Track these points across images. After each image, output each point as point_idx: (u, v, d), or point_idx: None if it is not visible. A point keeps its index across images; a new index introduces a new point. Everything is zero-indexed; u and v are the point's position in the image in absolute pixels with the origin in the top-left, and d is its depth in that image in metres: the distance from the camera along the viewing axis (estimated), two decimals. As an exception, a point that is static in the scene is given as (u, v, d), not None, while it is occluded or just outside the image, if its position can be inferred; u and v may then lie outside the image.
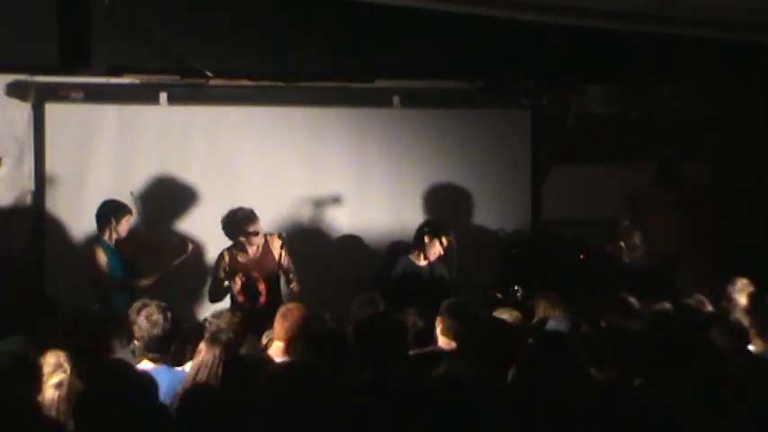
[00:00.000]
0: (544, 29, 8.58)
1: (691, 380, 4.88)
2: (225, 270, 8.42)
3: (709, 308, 7.26)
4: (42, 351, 5.55)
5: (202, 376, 5.37)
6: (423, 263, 8.66)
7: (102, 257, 8.28)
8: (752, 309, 7.04)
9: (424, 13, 8.24)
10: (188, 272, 8.71)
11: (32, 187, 9.06)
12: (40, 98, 9.03)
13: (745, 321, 6.65)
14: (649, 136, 9.98)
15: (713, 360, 5.02)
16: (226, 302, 8.39)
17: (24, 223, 9.05)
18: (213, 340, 5.61)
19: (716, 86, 9.83)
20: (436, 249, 8.62)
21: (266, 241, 8.50)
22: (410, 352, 5.75)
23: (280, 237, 8.47)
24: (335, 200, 9.55)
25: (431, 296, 7.48)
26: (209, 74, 8.92)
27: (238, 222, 8.41)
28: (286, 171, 9.48)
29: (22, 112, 9.02)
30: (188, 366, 5.81)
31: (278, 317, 6.03)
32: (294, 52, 8.85)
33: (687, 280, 8.98)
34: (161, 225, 9.08)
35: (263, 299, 8.28)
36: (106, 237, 8.34)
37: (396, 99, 9.70)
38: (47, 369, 5.37)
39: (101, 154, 9.17)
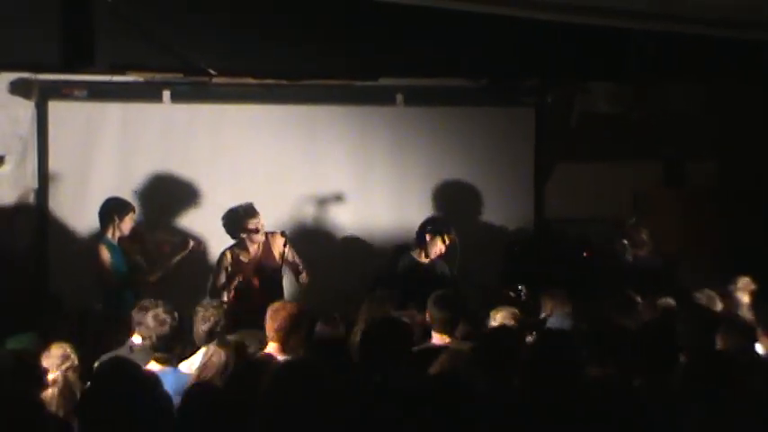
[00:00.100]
0: (548, 27, 8.56)
1: (693, 379, 4.87)
2: (227, 270, 8.41)
3: (719, 304, 7.23)
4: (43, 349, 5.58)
5: (206, 376, 5.38)
6: (425, 260, 8.66)
7: (106, 255, 8.27)
8: (755, 307, 7.03)
9: (427, 10, 8.22)
10: (190, 269, 8.70)
11: (36, 185, 9.07)
12: (43, 96, 9.04)
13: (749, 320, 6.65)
14: (653, 135, 9.97)
15: (717, 359, 5.01)
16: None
17: (28, 221, 9.07)
18: (221, 342, 5.63)
19: (719, 85, 9.81)
20: (438, 247, 8.62)
21: (267, 240, 8.50)
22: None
23: (282, 234, 8.46)
24: (338, 198, 9.55)
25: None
26: (212, 72, 8.90)
27: (239, 219, 8.42)
28: (289, 169, 9.48)
29: (25, 110, 9.03)
30: (189, 363, 5.83)
31: (267, 318, 5.99)
32: (297, 50, 8.83)
33: (687, 279, 8.97)
34: (164, 223, 9.08)
35: (256, 299, 8.23)
36: (109, 235, 8.33)
37: (399, 97, 9.70)
38: (54, 361, 5.39)
39: (104, 152, 9.18)
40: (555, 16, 8.20)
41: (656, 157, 10.24)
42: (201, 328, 6.01)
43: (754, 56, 8.88)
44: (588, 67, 9.45)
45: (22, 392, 4.74)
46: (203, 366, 5.47)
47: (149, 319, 5.78)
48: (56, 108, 9.07)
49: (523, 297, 8.12)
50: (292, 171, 9.49)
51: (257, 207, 8.54)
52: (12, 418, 4.35)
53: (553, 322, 6.59)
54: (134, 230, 8.44)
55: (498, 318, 6.59)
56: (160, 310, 5.82)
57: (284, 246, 8.44)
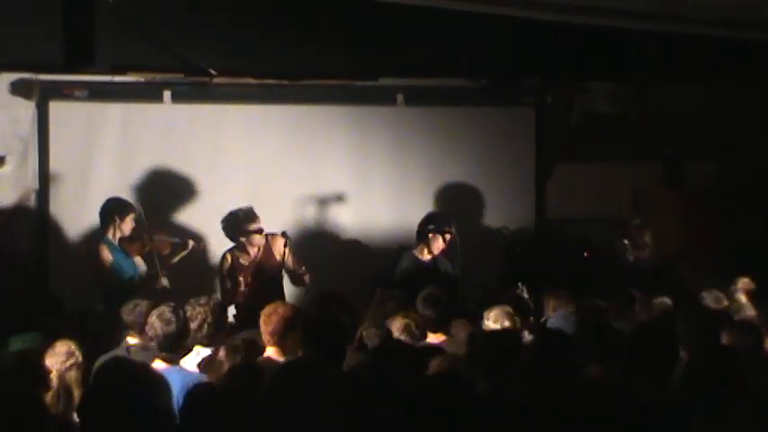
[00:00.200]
0: (548, 27, 8.56)
1: (695, 378, 4.87)
2: (228, 272, 8.40)
3: (725, 303, 7.23)
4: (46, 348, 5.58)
5: (215, 374, 5.39)
6: (426, 258, 8.66)
7: (107, 255, 8.27)
8: (757, 307, 7.03)
9: (427, 10, 8.23)
10: (191, 269, 8.70)
11: (36, 186, 9.08)
12: (44, 96, 9.05)
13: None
14: (653, 135, 9.97)
15: (719, 358, 5.01)
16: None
17: (28, 222, 9.07)
18: (234, 348, 5.63)
19: (719, 85, 9.81)
20: (439, 243, 8.61)
21: (267, 241, 8.49)
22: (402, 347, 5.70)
23: (283, 235, 8.46)
24: (339, 198, 9.56)
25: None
26: (212, 72, 8.91)
27: (238, 222, 8.41)
28: (289, 169, 9.49)
29: (26, 110, 9.04)
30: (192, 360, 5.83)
31: (261, 323, 5.98)
32: (298, 50, 8.83)
33: (688, 279, 8.97)
34: (164, 223, 9.08)
35: (273, 292, 8.22)
36: (110, 235, 8.34)
37: (399, 97, 9.70)
38: (58, 358, 5.39)
39: (105, 152, 9.18)
40: (555, 16, 8.20)
41: (656, 157, 10.24)
42: (189, 326, 6.00)
43: (753, 56, 8.89)
44: (588, 67, 9.45)
45: (25, 392, 4.74)
46: (213, 364, 5.48)
47: (154, 318, 5.73)
48: (56, 108, 9.08)
49: (525, 294, 8.10)
50: (292, 171, 9.50)
51: (257, 207, 8.55)
52: (14, 418, 4.36)
53: (555, 322, 6.58)
54: (134, 231, 8.44)
55: (492, 316, 6.57)
56: (165, 310, 5.77)
57: (284, 246, 8.43)
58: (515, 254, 9.63)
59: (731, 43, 8.54)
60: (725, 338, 5.86)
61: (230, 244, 8.57)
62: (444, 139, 9.78)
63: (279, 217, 9.05)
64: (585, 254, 9.51)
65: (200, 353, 5.92)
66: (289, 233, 8.54)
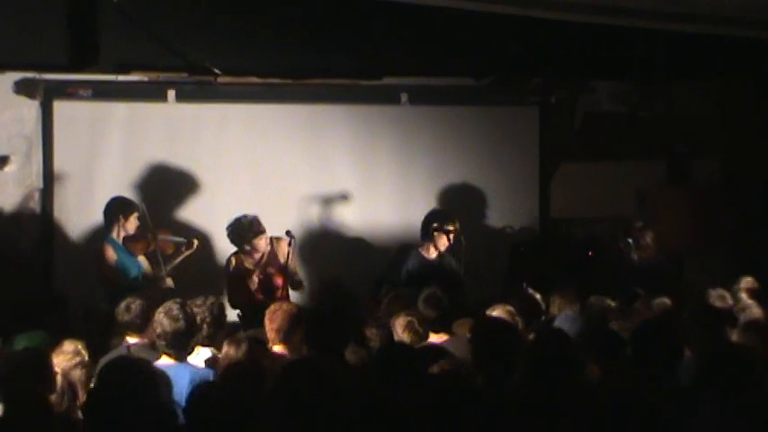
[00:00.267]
0: (553, 26, 8.57)
1: (701, 378, 4.86)
2: (233, 275, 8.38)
3: (730, 302, 7.21)
4: (55, 347, 5.58)
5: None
6: (433, 256, 8.63)
7: (111, 255, 8.26)
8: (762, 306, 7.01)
9: (431, 9, 8.24)
10: (195, 269, 8.69)
11: (41, 185, 9.08)
12: (48, 96, 9.04)
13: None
14: (658, 133, 9.96)
15: (727, 357, 4.99)
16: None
17: (33, 221, 9.07)
18: (238, 341, 5.63)
19: (725, 83, 9.80)
20: (445, 240, 8.58)
21: (272, 244, 8.44)
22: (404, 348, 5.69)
23: (288, 234, 8.42)
24: (343, 197, 9.55)
25: (443, 289, 7.39)
26: (216, 71, 8.92)
27: (243, 232, 8.31)
28: (294, 168, 9.48)
29: (30, 109, 9.04)
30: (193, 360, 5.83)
31: (266, 321, 5.97)
32: (302, 49, 8.84)
33: (695, 278, 8.97)
34: (168, 222, 9.08)
35: (280, 293, 8.22)
36: (114, 234, 8.33)
37: (404, 96, 9.69)
38: (65, 357, 5.38)
39: (109, 151, 9.18)
40: (560, 15, 8.20)
41: (660, 155, 10.23)
42: (197, 322, 5.98)
43: (758, 54, 8.88)
44: (593, 66, 9.45)
45: (30, 391, 4.75)
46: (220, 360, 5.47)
47: (161, 316, 5.68)
48: (61, 108, 9.08)
49: (537, 295, 8.06)
50: (297, 170, 9.49)
51: (261, 206, 8.54)
52: (20, 416, 4.36)
53: (561, 322, 6.56)
54: (138, 230, 8.43)
55: (493, 315, 6.56)
56: (172, 306, 5.72)
57: (289, 245, 8.40)
58: (520, 253, 9.61)
59: (736, 42, 8.54)
60: (732, 337, 5.86)
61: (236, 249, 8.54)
62: (449, 138, 9.77)
63: (283, 216, 9.05)
64: (590, 253, 9.49)
65: (200, 352, 5.91)
66: (293, 232, 8.52)
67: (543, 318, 7.11)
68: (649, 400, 4.60)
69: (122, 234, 8.34)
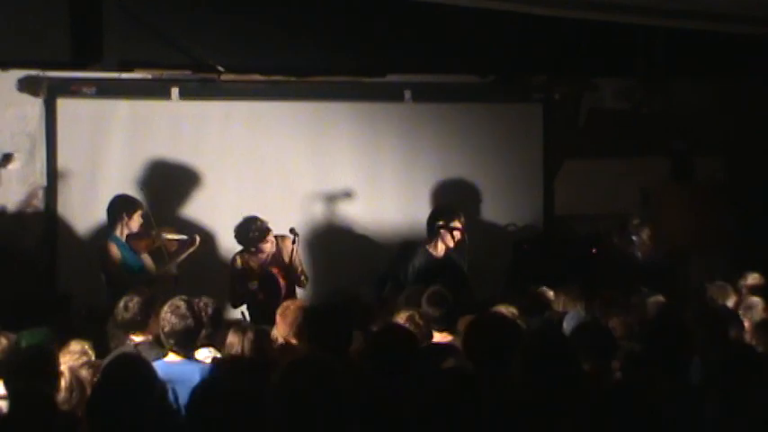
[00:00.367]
0: (556, 23, 8.57)
1: (709, 377, 4.86)
2: (238, 274, 8.38)
3: (732, 296, 7.20)
4: (59, 345, 5.58)
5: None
6: (440, 253, 8.61)
7: (116, 252, 8.26)
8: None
9: (435, 6, 8.23)
10: (198, 266, 8.69)
11: (44, 182, 9.08)
12: (51, 93, 9.04)
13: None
14: (661, 130, 9.96)
15: (734, 354, 4.99)
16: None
17: (36, 218, 9.08)
18: (243, 329, 5.64)
19: (728, 80, 9.79)
20: (451, 237, 8.56)
21: (277, 243, 8.44)
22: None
23: (292, 232, 8.43)
24: (347, 195, 9.55)
25: (451, 287, 7.36)
26: (220, 69, 8.93)
27: (250, 237, 8.31)
28: (297, 166, 9.48)
29: (33, 107, 9.04)
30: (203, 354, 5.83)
31: (278, 319, 5.97)
32: (305, 47, 8.85)
33: (699, 274, 8.96)
34: (172, 220, 9.08)
35: (284, 293, 8.22)
36: (118, 232, 8.32)
37: (407, 93, 9.69)
38: (72, 357, 5.39)
39: (113, 149, 9.18)
40: (563, 12, 8.20)
41: (664, 152, 10.22)
42: (203, 318, 5.96)
43: (761, 51, 8.87)
44: (597, 63, 9.45)
45: (35, 388, 4.76)
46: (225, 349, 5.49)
47: (168, 313, 5.62)
48: (64, 105, 9.07)
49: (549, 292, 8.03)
50: (300, 167, 9.49)
51: (265, 204, 8.56)
52: (25, 413, 4.37)
53: (569, 319, 6.56)
54: (142, 228, 8.43)
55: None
56: (179, 304, 5.65)
57: (293, 243, 8.41)
58: (523, 250, 9.61)
59: (739, 39, 8.53)
60: (737, 335, 5.85)
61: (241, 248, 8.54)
62: (452, 135, 9.77)
63: (286, 213, 9.05)
64: (593, 250, 9.49)
65: (199, 352, 5.90)
66: (297, 230, 8.52)
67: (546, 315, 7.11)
68: (655, 399, 4.60)
69: (126, 232, 8.34)
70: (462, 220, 8.59)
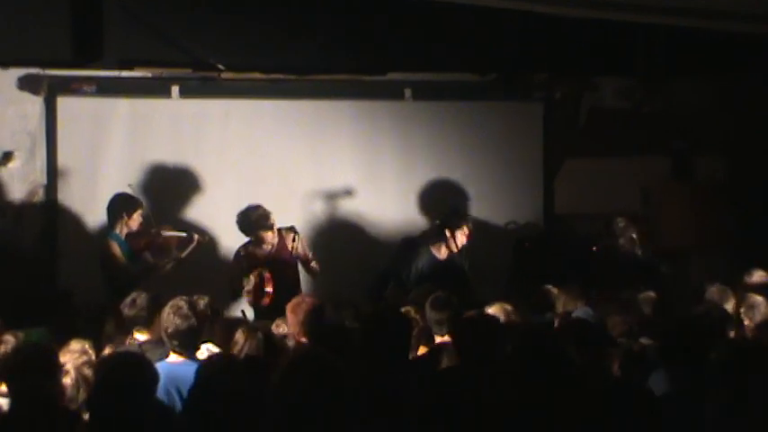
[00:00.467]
0: (557, 21, 8.56)
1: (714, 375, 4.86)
2: (243, 268, 8.40)
3: (732, 299, 7.20)
4: (60, 344, 5.58)
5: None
6: (444, 256, 8.62)
7: (116, 250, 8.27)
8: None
9: (435, 5, 8.23)
10: (198, 264, 8.69)
11: (45, 181, 9.09)
12: (52, 91, 9.05)
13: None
14: (661, 130, 9.96)
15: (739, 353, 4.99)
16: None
17: (37, 217, 9.09)
18: (252, 329, 5.64)
19: (729, 79, 9.79)
20: (458, 241, 8.57)
21: (281, 236, 8.49)
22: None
23: (291, 230, 8.47)
24: (347, 192, 9.55)
25: (454, 289, 7.37)
26: (220, 67, 8.94)
27: (252, 223, 8.36)
28: (297, 164, 9.49)
29: (34, 105, 9.05)
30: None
31: (288, 313, 5.99)
32: (306, 45, 8.85)
33: (699, 274, 8.96)
34: (172, 218, 9.08)
35: (266, 300, 8.24)
36: (118, 230, 8.33)
37: (407, 92, 9.69)
38: (72, 356, 5.39)
39: (113, 147, 9.19)
40: (564, 11, 8.19)
41: (664, 151, 10.22)
42: (205, 317, 5.97)
43: (761, 51, 8.87)
44: (597, 62, 9.45)
45: (38, 386, 4.76)
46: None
47: (169, 313, 5.59)
48: (65, 103, 9.08)
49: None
50: (300, 166, 9.50)
51: (265, 201, 8.54)
52: (27, 410, 4.38)
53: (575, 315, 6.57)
54: (142, 226, 8.44)
55: (490, 313, 6.54)
56: (181, 304, 5.62)
57: (293, 242, 8.44)
58: (524, 249, 9.61)
59: (739, 38, 8.52)
60: (737, 335, 5.86)
61: (240, 238, 8.56)
62: (452, 133, 9.77)
63: (287, 211, 9.04)
64: (594, 249, 9.49)
65: (200, 352, 5.88)
66: (297, 228, 8.54)
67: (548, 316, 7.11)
68: (655, 398, 4.61)
69: (126, 231, 8.35)
70: (470, 225, 8.62)
